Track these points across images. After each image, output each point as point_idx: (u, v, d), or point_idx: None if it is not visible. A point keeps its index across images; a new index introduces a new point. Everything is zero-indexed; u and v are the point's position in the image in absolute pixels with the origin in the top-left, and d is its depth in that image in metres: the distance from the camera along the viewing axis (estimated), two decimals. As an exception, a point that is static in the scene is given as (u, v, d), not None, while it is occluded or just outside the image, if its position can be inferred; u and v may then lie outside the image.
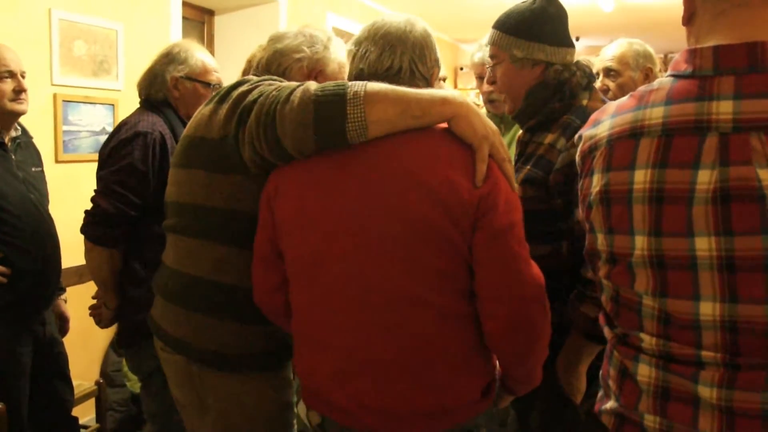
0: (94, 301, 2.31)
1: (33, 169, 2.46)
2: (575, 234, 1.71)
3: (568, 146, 1.70)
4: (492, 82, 1.91)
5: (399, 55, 1.45)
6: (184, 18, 4.10)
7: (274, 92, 1.40)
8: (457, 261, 1.32)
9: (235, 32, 4.74)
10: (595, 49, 3.98)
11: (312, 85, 1.36)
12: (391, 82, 1.40)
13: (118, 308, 2.22)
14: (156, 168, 2.08)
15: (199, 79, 2.22)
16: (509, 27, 1.79)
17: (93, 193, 2.13)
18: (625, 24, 7.07)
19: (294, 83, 1.42)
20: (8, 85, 2.30)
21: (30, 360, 2.39)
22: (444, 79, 3.20)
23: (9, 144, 2.34)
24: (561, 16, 1.80)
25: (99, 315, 2.29)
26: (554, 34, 1.78)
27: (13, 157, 2.35)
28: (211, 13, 4.82)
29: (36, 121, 2.53)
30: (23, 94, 2.33)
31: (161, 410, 2.18)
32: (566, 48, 1.80)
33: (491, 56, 1.88)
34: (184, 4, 4.14)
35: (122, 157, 2.07)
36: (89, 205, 2.13)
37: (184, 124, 2.14)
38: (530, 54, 1.77)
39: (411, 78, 1.46)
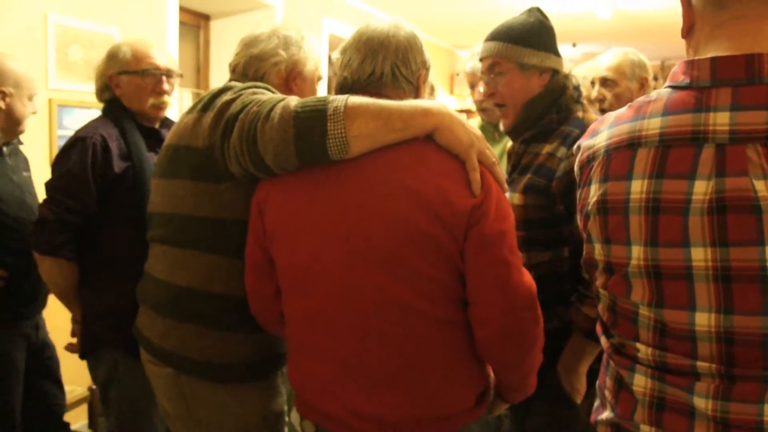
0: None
1: (24, 173, 2.45)
2: (576, 238, 1.74)
3: (568, 155, 1.74)
4: (491, 94, 1.91)
5: (381, 60, 1.43)
6: (180, 23, 4.10)
7: (254, 108, 1.37)
8: (450, 269, 1.32)
9: (231, 37, 4.70)
10: (591, 56, 3.99)
11: (293, 101, 1.34)
12: (373, 88, 1.40)
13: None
14: (97, 171, 2.03)
15: (130, 70, 2.14)
16: (516, 37, 1.82)
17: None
18: (622, 31, 7.10)
19: (277, 97, 1.40)
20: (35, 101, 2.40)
21: (23, 364, 2.37)
22: (432, 89, 3.16)
23: (4, 149, 2.34)
24: (552, 29, 1.89)
25: (73, 344, 2.25)
26: (554, 45, 1.86)
27: (8, 161, 2.35)
28: (207, 18, 4.82)
29: (31, 125, 2.51)
30: None
31: (118, 422, 2.16)
32: (561, 58, 1.89)
33: (491, 66, 1.88)
34: (181, 9, 4.14)
35: (62, 164, 2.06)
36: None
37: (141, 127, 2.13)
38: (541, 62, 1.82)
39: (394, 83, 1.44)
